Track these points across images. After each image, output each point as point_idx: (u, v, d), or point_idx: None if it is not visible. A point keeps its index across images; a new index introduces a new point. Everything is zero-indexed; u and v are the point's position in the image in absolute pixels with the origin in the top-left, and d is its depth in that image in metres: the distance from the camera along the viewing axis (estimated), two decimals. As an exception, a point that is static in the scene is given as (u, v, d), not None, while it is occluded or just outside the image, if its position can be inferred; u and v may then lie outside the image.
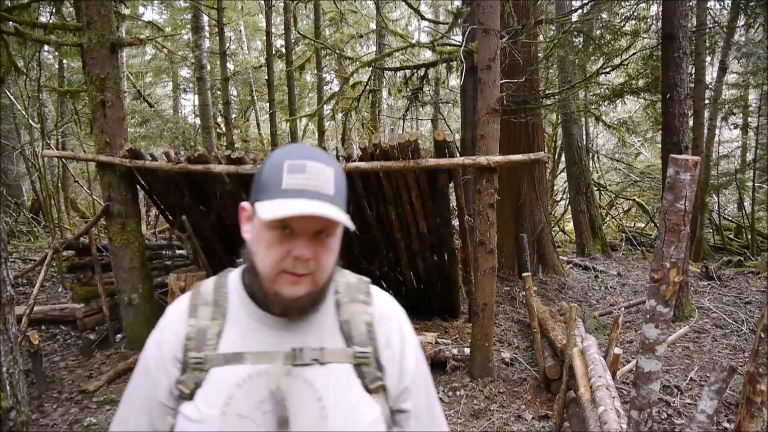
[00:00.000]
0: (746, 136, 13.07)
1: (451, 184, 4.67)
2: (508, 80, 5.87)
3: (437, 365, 4.46)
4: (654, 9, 8.54)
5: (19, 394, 2.70)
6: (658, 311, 1.67)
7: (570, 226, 12.30)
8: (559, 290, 7.25)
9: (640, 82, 8.19)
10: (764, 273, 8.10)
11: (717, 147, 12.09)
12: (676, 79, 5.55)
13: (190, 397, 0.91)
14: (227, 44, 10.97)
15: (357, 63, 11.44)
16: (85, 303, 5.43)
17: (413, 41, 12.24)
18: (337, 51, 11.69)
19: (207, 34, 12.57)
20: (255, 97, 16.01)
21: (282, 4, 11.44)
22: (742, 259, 9.14)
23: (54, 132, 10.46)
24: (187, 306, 1.00)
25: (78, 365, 4.75)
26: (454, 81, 13.12)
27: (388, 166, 4.15)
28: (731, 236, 11.27)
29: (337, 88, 13.16)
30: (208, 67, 12.79)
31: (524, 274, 4.43)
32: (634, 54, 8.34)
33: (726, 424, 3.50)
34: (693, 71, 7.93)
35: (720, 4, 9.11)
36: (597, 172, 13.92)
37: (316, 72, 12.12)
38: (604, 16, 8.23)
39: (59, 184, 10.30)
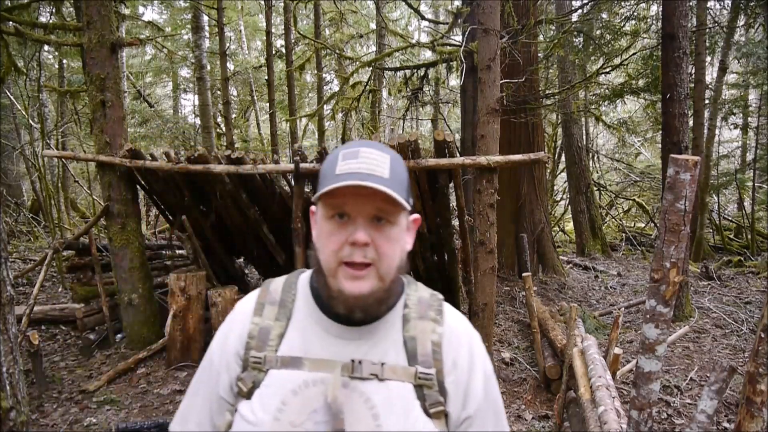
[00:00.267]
0: (746, 136, 13.08)
1: (451, 184, 4.67)
2: (508, 80, 5.87)
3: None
4: (654, 9, 8.54)
5: (19, 394, 2.70)
6: (658, 311, 1.67)
7: (570, 226, 12.30)
8: (559, 290, 7.25)
9: (640, 82, 8.19)
10: (764, 273, 8.10)
11: (717, 147, 12.09)
12: (676, 79, 5.56)
13: (248, 396, 0.91)
14: (227, 44, 10.98)
15: (357, 63, 11.43)
16: (85, 303, 5.43)
17: (413, 41, 12.24)
18: (337, 51, 11.69)
19: (207, 34, 12.56)
20: (255, 97, 16.01)
21: (282, 4, 11.45)
22: (742, 259, 9.15)
23: (54, 132, 10.45)
24: (254, 303, 0.99)
25: (78, 365, 4.75)
26: (454, 81, 13.12)
27: (388, 166, 4.13)
28: (731, 236, 11.27)
29: (337, 88, 13.15)
30: (208, 67, 12.79)
31: (524, 274, 4.43)
32: (634, 54, 8.34)
33: (726, 424, 3.50)
34: (693, 71, 7.93)
35: (720, 4, 9.11)
36: (597, 172, 13.92)
37: (316, 72, 12.13)
38: (604, 16, 8.24)
39: (59, 184, 10.30)
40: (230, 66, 14.73)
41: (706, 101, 9.09)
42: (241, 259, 6.89)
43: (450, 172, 4.42)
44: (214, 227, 5.57)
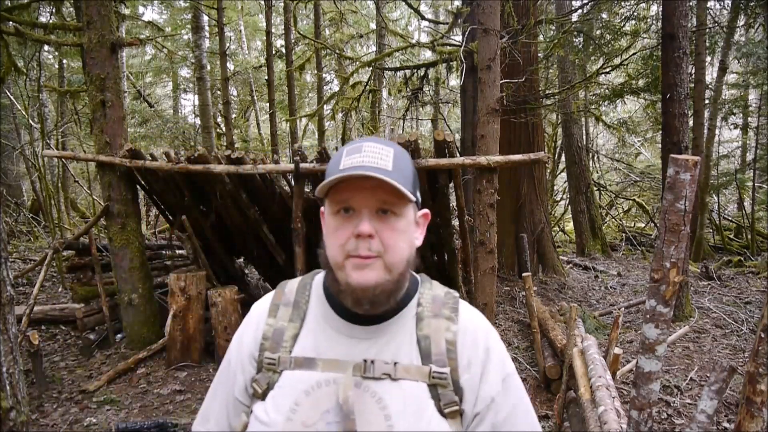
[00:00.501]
0: (746, 136, 13.08)
1: (451, 184, 4.67)
2: (508, 80, 5.87)
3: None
4: (654, 9, 8.54)
5: (19, 394, 2.70)
6: (658, 311, 1.67)
7: (570, 226, 12.30)
8: (559, 290, 7.25)
9: (640, 82, 8.19)
10: (764, 273, 8.10)
11: (717, 147, 12.09)
12: (676, 79, 5.55)
13: (262, 397, 0.91)
14: (227, 44, 10.98)
15: (357, 63, 11.43)
16: (85, 303, 5.43)
17: (413, 41, 12.24)
18: (337, 51, 11.69)
19: (207, 34, 12.56)
20: (255, 97, 16.02)
21: (282, 4, 11.45)
22: (742, 259, 9.15)
23: (54, 132, 10.45)
24: (269, 305, 1.00)
25: (78, 365, 4.75)
26: (454, 81, 13.11)
27: (388, 166, 4.13)
28: (731, 236, 11.27)
29: (337, 88, 13.15)
30: (208, 67, 12.79)
31: (524, 274, 4.43)
32: (634, 54, 8.34)
33: (726, 424, 3.50)
34: (693, 71, 7.93)
35: (720, 4, 9.11)
36: (597, 172, 13.92)
37: (316, 72, 12.13)
38: (604, 16, 8.24)
39: (59, 184, 10.30)
40: (230, 66, 14.73)
41: (706, 101, 9.09)
42: (241, 259, 6.89)
43: (450, 172, 4.43)
44: (214, 227, 5.57)
